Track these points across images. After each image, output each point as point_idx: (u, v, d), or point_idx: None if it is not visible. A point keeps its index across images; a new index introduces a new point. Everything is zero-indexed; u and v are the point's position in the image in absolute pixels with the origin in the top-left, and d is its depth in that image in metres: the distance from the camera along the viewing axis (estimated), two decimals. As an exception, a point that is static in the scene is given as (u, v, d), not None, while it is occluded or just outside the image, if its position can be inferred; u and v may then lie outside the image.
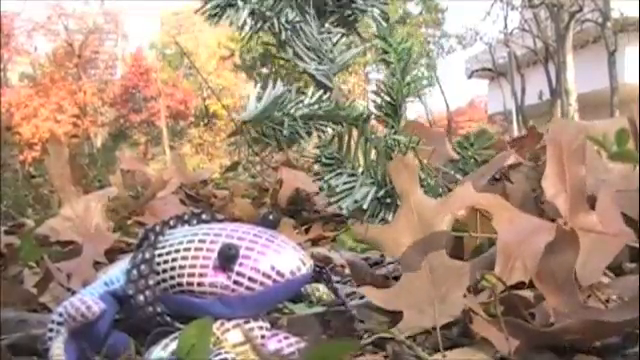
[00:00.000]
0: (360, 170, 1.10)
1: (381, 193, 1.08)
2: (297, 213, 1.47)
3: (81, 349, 0.55)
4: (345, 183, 1.09)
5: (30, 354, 0.63)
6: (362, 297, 0.73)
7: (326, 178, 1.10)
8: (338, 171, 1.09)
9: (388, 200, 1.07)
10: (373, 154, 1.13)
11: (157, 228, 0.57)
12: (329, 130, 1.09)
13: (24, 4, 26.91)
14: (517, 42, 14.23)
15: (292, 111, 1.03)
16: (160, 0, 26.22)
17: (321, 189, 1.15)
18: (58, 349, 0.54)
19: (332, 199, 1.10)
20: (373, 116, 1.14)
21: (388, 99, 1.14)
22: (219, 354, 0.51)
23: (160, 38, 22.04)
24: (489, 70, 15.76)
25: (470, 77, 17.23)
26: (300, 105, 1.04)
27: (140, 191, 1.76)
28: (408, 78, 1.15)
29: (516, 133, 13.26)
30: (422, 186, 1.11)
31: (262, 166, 2.32)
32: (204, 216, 0.60)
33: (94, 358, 0.56)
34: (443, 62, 26.01)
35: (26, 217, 1.85)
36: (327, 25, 1.12)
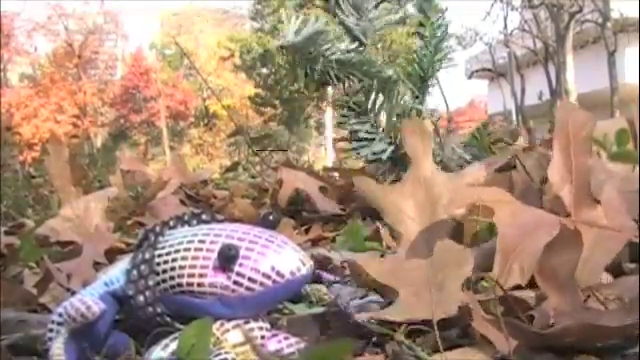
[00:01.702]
0: (381, 129, 1.14)
1: (398, 154, 1.11)
2: (297, 213, 1.47)
3: (81, 349, 0.55)
4: (367, 132, 1.12)
5: (30, 354, 0.63)
6: (362, 297, 0.73)
7: (351, 121, 1.13)
8: (363, 118, 1.13)
9: (402, 162, 1.11)
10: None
11: (157, 228, 0.57)
12: (357, 83, 1.14)
13: (24, 4, 26.92)
14: (517, 42, 14.21)
15: (328, 53, 1.05)
16: (160, 0, 26.23)
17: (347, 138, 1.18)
18: (58, 349, 0.54)
19: (354, 144, 1.13)
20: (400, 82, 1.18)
21: (419, 69, 1.17)
22: (219, 354, 0.51)
23: (160, 38, 22.04)
24: (489, 70, 15.74)
25: (470, 77, 17.21)
26: (336, 49, 1.07)
27: (140, 191, 1.76)
28: (439, 55, 1.18)
29: (516, 133, 13.24)
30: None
31: (262, 166, 2.32)
32: (204, 216, 0.60)
33: (94, 358, 0.56)
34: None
35: (26, 217, 1.85)
36: None
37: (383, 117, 1.17)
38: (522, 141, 1.41)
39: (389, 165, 1.15)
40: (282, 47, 1.03)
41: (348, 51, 1.09)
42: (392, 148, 1.13)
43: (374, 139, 1.13)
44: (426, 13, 1.18)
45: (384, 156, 1.13)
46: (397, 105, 1.15)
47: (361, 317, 0.60)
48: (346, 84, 1.13)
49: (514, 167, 1.05)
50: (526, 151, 1.03)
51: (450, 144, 1.20)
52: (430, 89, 1.22)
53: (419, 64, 1.18)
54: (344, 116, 1.18)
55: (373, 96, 1.15)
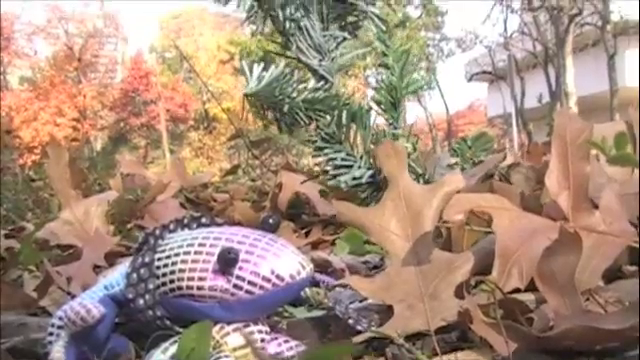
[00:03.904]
0: (359, 155, 1.14)
1: (378, 178, 1.11)
2: (297, 216, 1.47)
3: (81, 353, 0.55)
4: (344, 159, 1.12)
5: (30, 358, 0.63)
6: (362, 301, 0.73)
7: (326, 151, 1.13)
8: (338, 147, 1.13)
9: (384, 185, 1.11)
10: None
11: (157, 232, 0.57)
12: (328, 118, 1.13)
13: (23, 6, 26.92)
14: (517, 45, 14.22)
15: (294, 94, 1.05)
16: (160, 2, 26.25)
17: (321, 171, 1.18)
18: (58, 353, 0.54)
19: (331, 172, 1.13)
20: (372, 111, 1.18)
21: (388, 96, 1.17)
22: (219, 358, 0.51)
23: (160, 41, 22.06)
24: (489, 73, 15.75)
25: (470, 80, 17.21)
26: (302, 89, 1.07)
27: (140, 195, 1.76)
28: (406, 80, 1.18)
29: (515, 136, 13.26)
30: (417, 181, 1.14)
31: (262, 169, 2.33)
32: (204, 220, 0.60)
33: (94, 362, 0.56)
34: (443, 65, 26.03)
35: (26, 221, 1.85)
36: (331, 28, 1.15)
37: (359, 144, 1.17)
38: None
39: (372, 190, 1.15)
40: (247, 95, 1.03)
41: (315, 89, 1.09)
42: (371, 173, 1.13)
43: (352, 165, 1.13)
44: (385, 43, 1.19)
45: (364, 180, 1.13)
46: (370, 132, 1.15)
47: (359, 334, 0.60)
48: (318, 122, 1.14)
49: (492, 176, 1.06)
50: (513, 167, 1.04)
51: (433, 163, 1.21)
52: (402, 114, 1.22)
53: (388, 90, 1.18)
54: (318, 148, 1.18)
55: (345, 127, 1.15)
